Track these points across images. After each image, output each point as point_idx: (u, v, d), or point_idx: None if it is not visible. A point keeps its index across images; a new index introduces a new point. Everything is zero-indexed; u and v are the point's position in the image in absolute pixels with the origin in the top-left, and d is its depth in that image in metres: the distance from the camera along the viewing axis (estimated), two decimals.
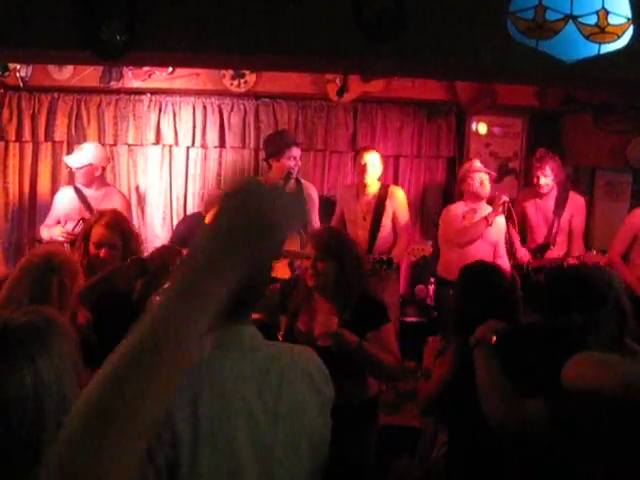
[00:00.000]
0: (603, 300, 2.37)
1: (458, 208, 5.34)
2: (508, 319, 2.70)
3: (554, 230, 5.42)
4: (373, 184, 5.26)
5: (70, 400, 1.36)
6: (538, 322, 2.58)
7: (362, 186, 5.27)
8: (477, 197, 5.23)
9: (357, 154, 5.35)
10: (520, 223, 5.48)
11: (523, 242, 5.54)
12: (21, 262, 3.09)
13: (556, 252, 5.35)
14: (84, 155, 5.27)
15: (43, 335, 1.40)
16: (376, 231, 5.18)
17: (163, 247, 3.43)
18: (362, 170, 5.19)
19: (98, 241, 3.36)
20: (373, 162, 5.21)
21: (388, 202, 5.24)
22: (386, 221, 5.23)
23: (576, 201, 5.52)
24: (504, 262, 5.06)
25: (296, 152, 4.94)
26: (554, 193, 5.48)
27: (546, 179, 5.36)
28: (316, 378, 1.53)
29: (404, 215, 5.32)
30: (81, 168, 5.25)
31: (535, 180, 5.44)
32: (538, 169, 5.39)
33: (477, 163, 5.38)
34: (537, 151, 5.59)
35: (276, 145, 4.94)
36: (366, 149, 5.34)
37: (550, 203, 5.49)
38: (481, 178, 5.20)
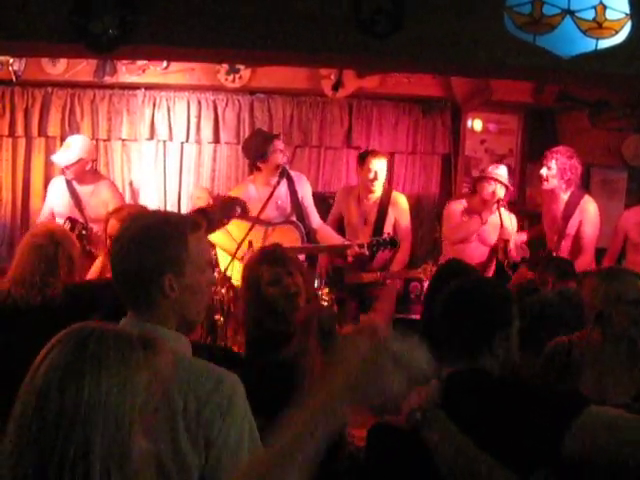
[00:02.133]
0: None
1: (457, 205, 5.22)
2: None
3: (560, 237, 4.98)
4: (378, 190, 5.12)
5: (127, 431, 1.22)
6: (472, 368, 2.00)
7: (366, 191, 5.10)
8: (482, 202, 5.01)
9: (365, 157, 5.08)
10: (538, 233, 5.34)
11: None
12: (24, 242, 3.13)
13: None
14: (72, 151, 5.08)
15: (123, 359, 1.26)
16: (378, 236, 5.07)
17: None
18: (373, 178, 4.97)
19: (112, 234, 3.39)
20: (383, 169, 5.03)
21: (390, 209, 5.12)
22: (387, 227, 5.10)
23: (587, 207, 4.96)
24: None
25: (280, 145, 4.81)
26: (564, 196, 4.97)
27: (549, 171, 4.88)
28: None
29: (406, 222, 5.20)
30: (72, 165, 5.08)
31: (540, 175, 5.02)
32: (543, 160, 4.96)
33: (499, 170, 5.04)
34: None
35: (258, 145, 4.77)
36: (375, 154, 5.08)
37: (559, 206, 5.02)
38: (493, 186, 4.92)
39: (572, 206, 4.96)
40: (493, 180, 4.94)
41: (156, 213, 1.97)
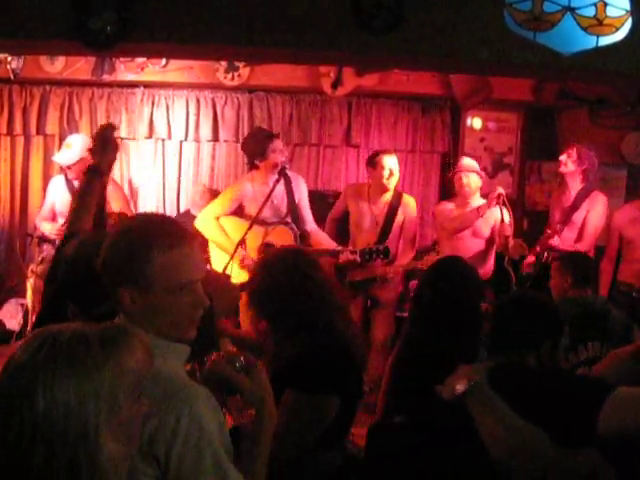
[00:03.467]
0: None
1: (448, 205, 5.26)
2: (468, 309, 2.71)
3: (564, 224, 5.09)
4: (393, 187, 5.09)
5: (93, 436, 1.16)
6: (517, 361, 2.23)
7: (380, 191, 5.07)
8: (463, 197, 5.09)
9: (376, 156, 5.05)
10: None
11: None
12: None
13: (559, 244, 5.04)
14: (74, 151, 5.08)
15: (88, 362, 1.19)
16: (385, 237, 5.05)
17: None
18: (389, 175, 4.96)
19: None
20: (396, 165, 5.02)
21: (400, 210, 5.09)
22: (396, 228, 5.09)
23: (594, 199, 5.08)
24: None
25: (279, 144, 4.79)
26: (577, 187, 5.10)
27: (568, 159, 5.03)
28: None
29: (413, 225, 5.21)
30: (73, 165, 5.08)
31: (559, 161, 5.14)
32: (565, 149, 5.13)
33: (464, 161, 5.19)
34: None
35: (257, 144, 4.75)
36: (386, 152, 5.08)
37: (569, 197, 5.14)
38: (463, 178, 5.03)
39: (582, 197, 5.07)
40: (459, 172, 5.05)
41: (141, 222, 1.78)
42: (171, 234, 1.66)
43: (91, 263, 2.45)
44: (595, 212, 5.04)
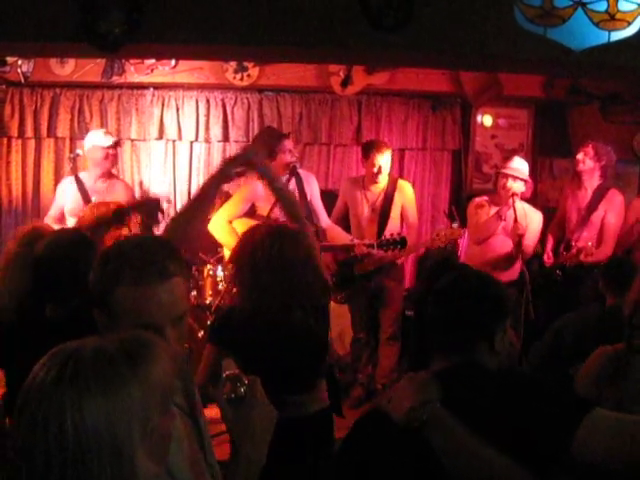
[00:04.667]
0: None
1: (479, 201, 5.14)
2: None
3: (582, 226, 5.09)
4: (383, 181, 5.18)
5: (129, 459, 1.09)
6: (465, 363, 1.88)
7: (372, 181, 5.16)
8: (499, 197, 4.96)
9: (369, 151, 5.09)
10: (561, 219, 5.36)
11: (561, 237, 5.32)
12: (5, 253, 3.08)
13: (578, 247, 5.05)
14: (109, 138, 5.17)
15: (116, 378, 1.11)
16: (384, 223, 5.11)
17: None
18: (378, 171, 5.04)
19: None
20: (387, 162, 5.09)
21: (397, 195, 5.17)
22: (394, 214, 5.16)
23: (612, 198, 5.07)
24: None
25: (289, 144, 4.82)
26: (593, 184, 5.10)
27: (586, 156, 5.03)
28: None
29: (413, 209, 5.26)
30: (111, 147, 5.16)
31: (576, 159, 5.15)
32: (581, 147, 5.12)
33: (515, 164, 4.97)
34: None
35: (268, 144, 4.76)
36: (380, 148, 5.08)
37: (586, 195, 5.14)
38: (509, 182, 4.85)
39: (599, 196, 5.07)
40: (507, 176, 4.90)
41: (117, 249, 1.62)
42: (141, 268, 1.50)
43: (64, 262, 2.49)
44: (614, 214, 5.05)
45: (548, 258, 5.31)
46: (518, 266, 4.94)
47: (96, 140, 5.17)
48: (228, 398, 1.55)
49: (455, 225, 5.05)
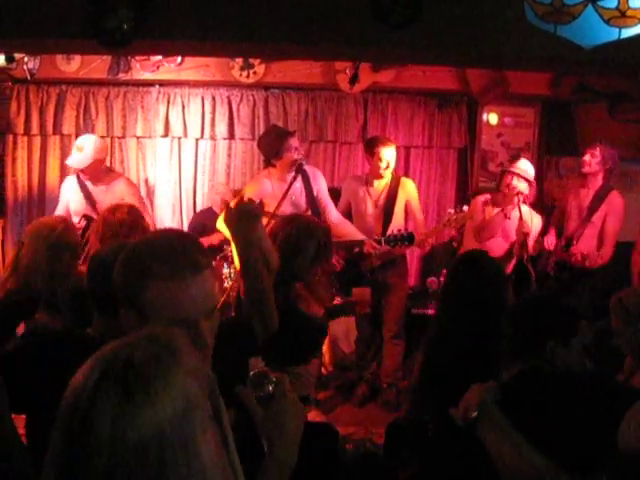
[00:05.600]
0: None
1: (482, 199, 5.18)
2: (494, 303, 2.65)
3: (584, 225, 5.15)
4: (388, 176, 5.20)
5: (195, 453, 1.05)
6: (531, 368, 2.11)
7: (377, 177, 5.18)
8: (503, 196, 4.98)
9: (374, 146, 5.12)
10: (562, 212, 5.42)
11: (559, 232, 5.40)
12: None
13: (580, 248, 5.08)
14: (86, 154, 5.00)
15: (166, 372, 1.06)
16: (389, 220, 5.11)
17: None
18: (385, 167, 5.08)
19: None
20: (394, 156, 5.13)
21: (400, 191, 5.18)
22: (398, 210, 5.17)
23: (613, 201, 5.14)
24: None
25: (294, 142, 4.81)
26: (596, 184, 5.16)
27: (592, 159, 5.09)
28: None
29: (417, 206, 5.29)
30: (87, 167, 5.02)
31: (582, 161, 5.20)
32: (588, 148, 5.19)
33: (521, 164, 5.01)
34: None
35: (272, 143, 4.78)
36: (385, 142, 5.13)
37: (589, 194, 5.19)
38: (514, 181, 4.87)
39: (600, 197, 5.13)
40: (513, 175, 4.90)
41: (145, 243, 1.57)
42: (172, 262, 1.47)
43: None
44: (615, 216, 5.11)
45: (548, 245, 5.32)
46: (511, 267, 4.95)
47: (69, 162, 5.16)
48: (257, 397, 1.51)
49: (465, 208, 5.02)
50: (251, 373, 1.54)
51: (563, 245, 5.27)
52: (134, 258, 1.50)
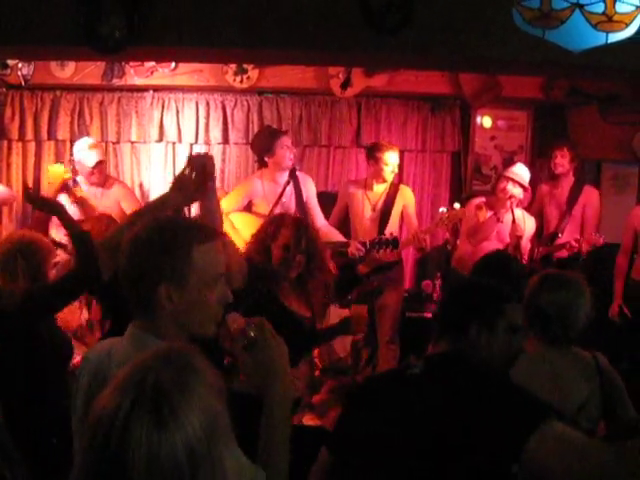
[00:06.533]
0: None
1: (476, 202, 5.24)
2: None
3: (565, 219, 5.49)
4: (391, 179, 5.26)
5: (221, 466, 1.12)
6: (451, 351, 2.00)
7: (379, 181, 5.23)
8: (497, 200, 5.05)
9: (378, 151, 5.16)
10: (538, 214, 5.58)
11: (539, 232, 5.56)
12: None
13: (566, 239, 5.32)
14: (93, 154, 5.17)
15: (192, 393, 1.13)
16: (385, 223, 5.15)
17: None
18: (391, 171, 5.15)
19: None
20: (397, 159, 5.22)
21: (398, 197, 5.24)
22: (395, 215, 5.22)
23: (589, 193, 5.55)
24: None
25: (287, 141, 4.89)
26: (569, 182, 5.55)
27: (563, 160, 5.48)
28: None
29: (413, 212, 5.35)
30: (95, 167, 5.16)
31: (552, 163, 5.56)
32: (557, 149, 5.54)
33: (517, 169, 5.15)
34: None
35: (265, 140, 4.87)
36: (389, 148, 5.19)
37: (564, 192, 5.55)
38: (509, 186, 4.97)
39: (576, 191, 5.54)
40: (508, 180, 5.01)
41: (168, 220, 1.79)
42: (204, 228, 1.72)
43: None
44: (592, 207, 5.51)
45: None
46: None
47: (81, 156, 5.21)
48: (243, 346, 1.59)
49: (457, 206, 5.08)
50: (232, 328, 1.62)
51: (547, 240, 5.49)
52: (170, 233, 1.64)
